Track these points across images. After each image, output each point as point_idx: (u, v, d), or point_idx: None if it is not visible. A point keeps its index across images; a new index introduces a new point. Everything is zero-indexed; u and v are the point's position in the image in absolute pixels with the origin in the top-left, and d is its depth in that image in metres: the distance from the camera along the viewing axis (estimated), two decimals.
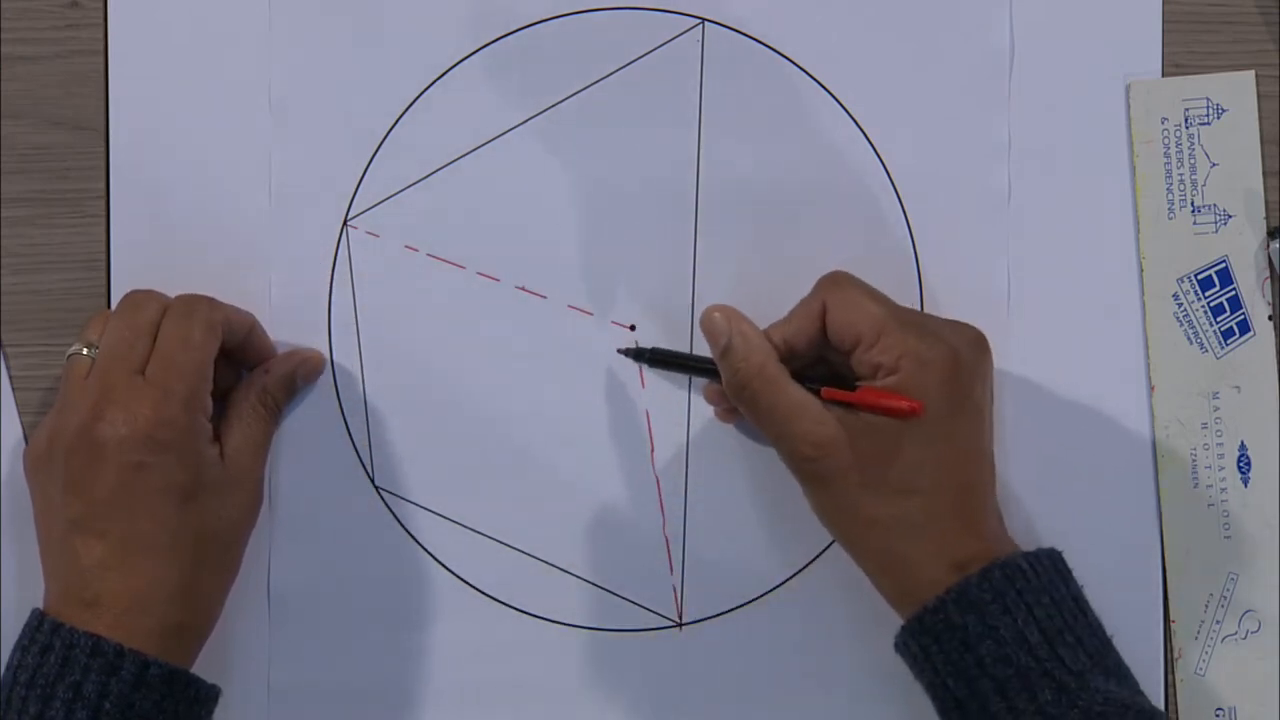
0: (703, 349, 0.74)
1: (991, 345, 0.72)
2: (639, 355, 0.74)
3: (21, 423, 0.75)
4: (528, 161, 0.75)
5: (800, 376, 0.68)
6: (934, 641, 0.65)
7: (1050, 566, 0.66)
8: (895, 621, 0.72)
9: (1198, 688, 0.74)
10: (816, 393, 0.67)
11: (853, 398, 0.66)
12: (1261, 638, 0.74)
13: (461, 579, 0.75)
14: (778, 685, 0.75)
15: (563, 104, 0.75)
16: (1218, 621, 0.74)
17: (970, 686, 0.64)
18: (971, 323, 0.70)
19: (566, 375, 0.75)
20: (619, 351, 0.74)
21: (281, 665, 0.75)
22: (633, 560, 0.75)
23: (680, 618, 0.75)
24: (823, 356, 0.70)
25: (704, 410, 0.75)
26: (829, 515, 0.69)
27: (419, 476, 0.75)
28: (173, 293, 0.71)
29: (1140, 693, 0.66)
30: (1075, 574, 0.67)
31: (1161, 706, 0.74)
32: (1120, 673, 0.65)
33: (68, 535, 0.66)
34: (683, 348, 0.75)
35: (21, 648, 0.65)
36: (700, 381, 0.75)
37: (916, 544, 0.66)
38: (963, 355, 0.67)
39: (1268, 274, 0.75)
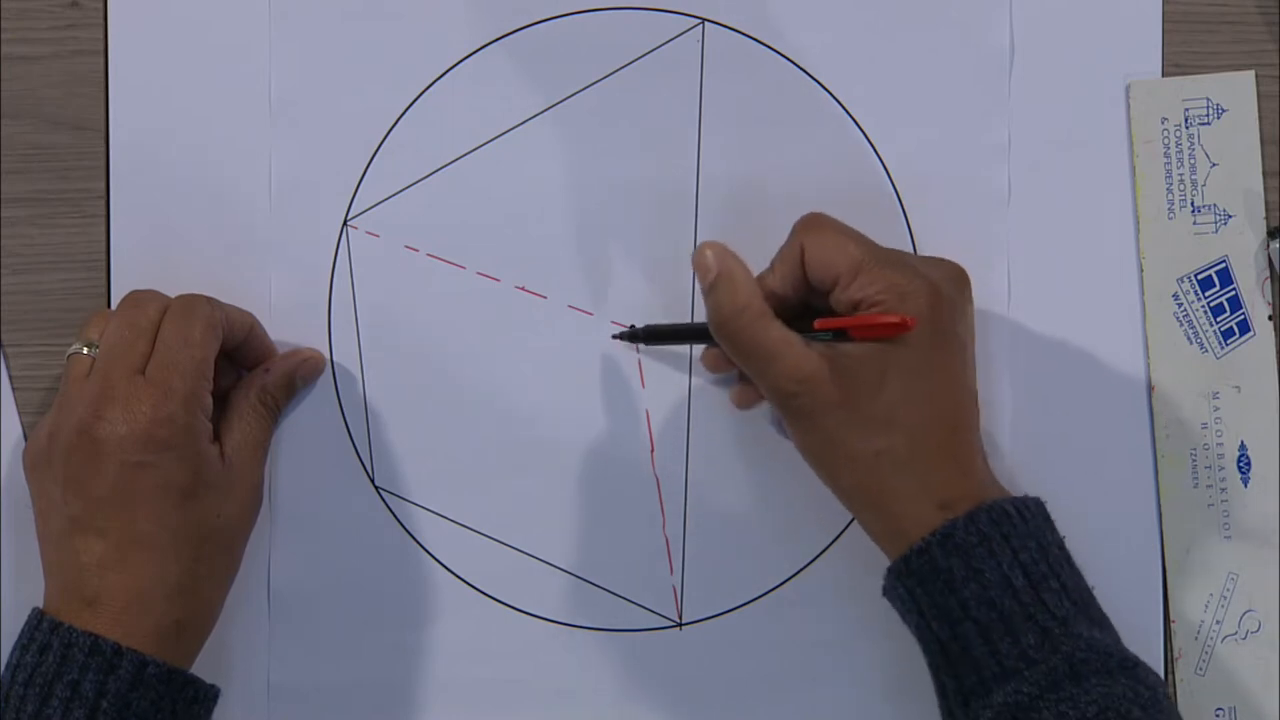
0: (701, 348, 0.74)
1: (991, 345, 0.72)
2: (634, 337, 0.74)
3: (21, 423, 0.75)
4: (528, 161, 0.75)
5: (794, 321, 0.67)
6: (919, 584, 0.64)
7: (1036, 513, 0.66)
8: (895, 622, 0.72)
9: (1198, 688, 0.74)
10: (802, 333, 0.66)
11: (844, 322, 0.65)
12: (1261, 638, 0.74)
13: (461, 579, 0.75)
14: (778, 685, 0.75)
15: (563, 104, 0.75)
16: (1218, 621, 0.74)
17: (954, 630, 0.64)
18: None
19: (566, 375, 0.75)
20: (614, 338, 0.74)
21: (281, 665, 0.75)
22: (633, 560, 0.75)
23: (680, 618, 0.75)
24: (807, 304, 0.69)
25: (704, 411, 0.75)
26: (814, 453, 0.68)
27: (419, 476, 0.75)
28: (173, 293, 0.71)
29: (1121, 643, 0.65)
30: None
31: None
32: (1103, 623, 0.65)
33: (67, 534, 0.66)
34: (683, 348, 0.75)
35: (20, 646, 0.65)
36: (703, 381, 0.75)
37: (902, 479, 0.65)
38: (943, 289, 0.66)
39: (1268, 274, 0.75)
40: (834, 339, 0.66)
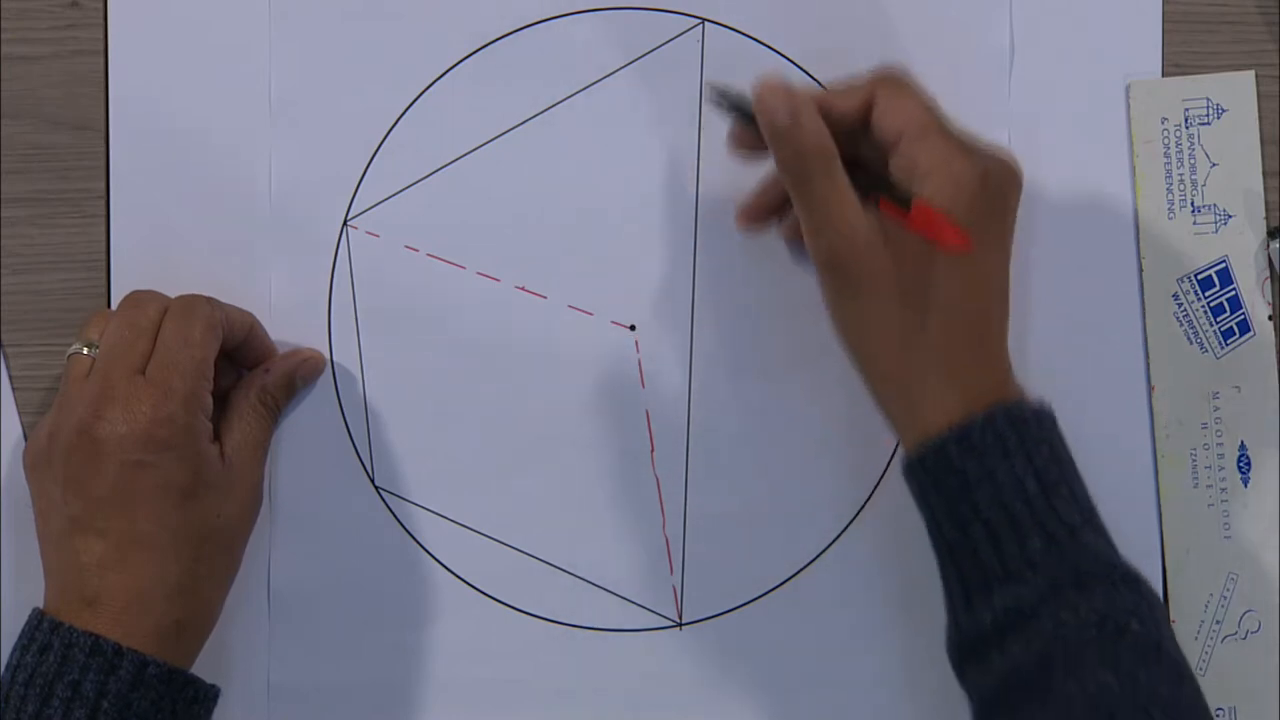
0: (701, 348, 0.74)
1: None
2: (720, 96, 0.68)
3: (21, 423, 0.75)
4: (528, 161, 0.75)
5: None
6: (932, 484, 0.64)
7: (1049, 420, 0.66)
8: (895, 622, 0.72)
9: None
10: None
11: (907, 218, 0.64)
12: (1261, 638, 0.74)
13: (461, 579, 0.75)
14: (778, 685, 0.75)
15: (563, 104, 0.75)
16: (1218, 621, 0.74)
17: (963, 531, 0.64)
18: None
19: (566, 375, 0.75)
20: (710, 92, 0.70)
21: (281, 665, 0.75)
22: (633, 560, 0.75)
23: (680, 618, 0.75)
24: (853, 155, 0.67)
25: (704, 410, 0.75)
26: (851, 327, 0.66)
27: (419, 476, 0.75)
28: (173, 293, 0.71)
29: (1123, 557, 0.65)
30: None
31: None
32: (1106, 536, 0.65)
33: (67, 534, 0.66)
34: (683, 348, 0.75)
35: (21, 647, 0.65)
36: (709, 343, 0.75)
37: (934, 366, 0.64)
38: (995, 179, 0.65)
39: (1268, 274, 0.75)
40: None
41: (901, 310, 0.64)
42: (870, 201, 0.65)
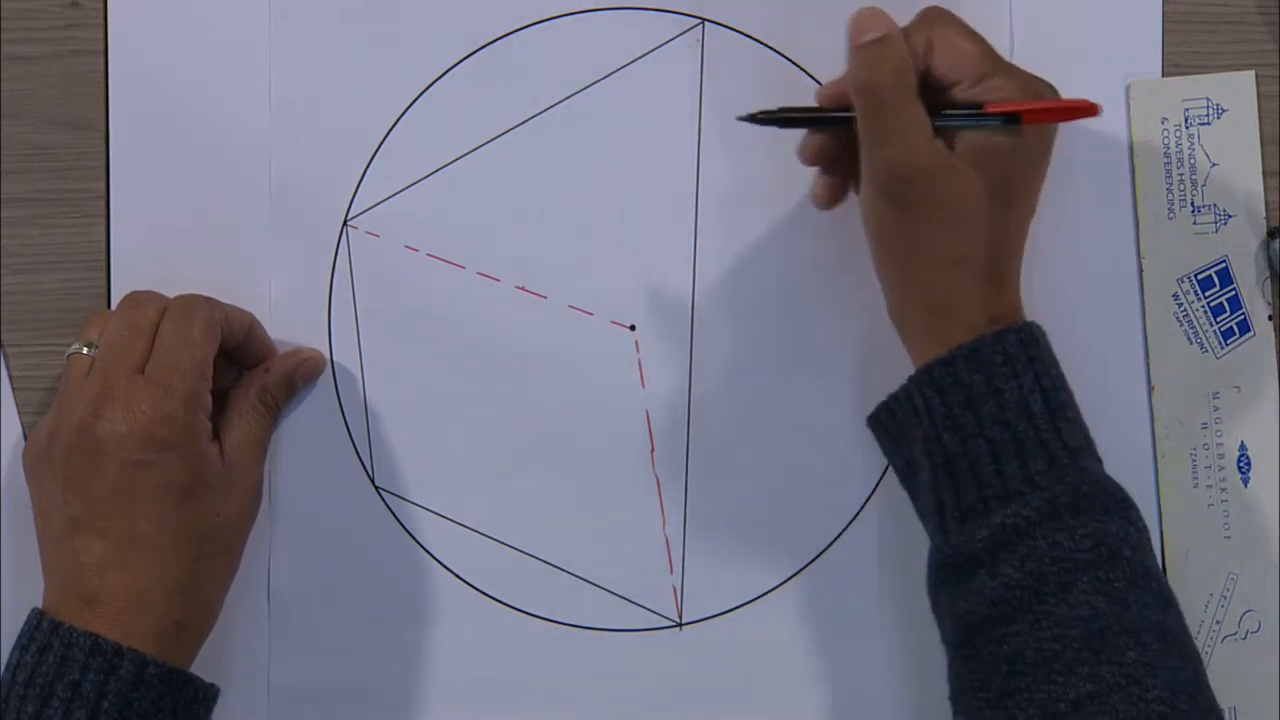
0: (701, 348, 0.74)
1: None
2: (764, 120, 0.69)
3: (21, 423, 0.75)
4: (528, 161, 0.75)
5: None
6: (938, 394, 0.65)
7: (1049, 345, 0.67)
8: (895, 621, 0.72)
9: None
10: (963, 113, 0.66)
11: (1022, 106, 0.65)
12: (1261, 638, 0.74)
13: (461, 579, 0.75)
14: (777, 685, 0.75)
15: (563, 104, 0.75)
16: (1218, 621, 0.74)
17: (965, 444, 0.64)
18: None
19: (566, 375, 0.75)
20: (741, 119, 0.69)
21: (281, 665, 0.75)
22: (633, 560, 0.75)
23: (680, 618, 0.75)
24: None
25: (704, 410, 0.75)
26: (897, 244, 0.67)
27: (419, 476, 0.75)
28: (173, 293, 0.71)
29: (1116, 482, 0.66)
30: None
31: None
32: (1101, 462, 0.66)
33: (67, 533, 0.66)
34: (683, 348, 0.75)
35: (20, 646, 0.65)
36: (710, 343, 0.75)
37: (971, 287, 0.66)
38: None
39: (1268, 274, 0.75)
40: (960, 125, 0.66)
41: (954, 237, 0.65)
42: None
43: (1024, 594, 0.62)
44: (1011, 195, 0.66)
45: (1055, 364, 0.66)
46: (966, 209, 0.65)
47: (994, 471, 0.63)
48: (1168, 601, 0.63)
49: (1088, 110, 0.66)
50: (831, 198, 0.72)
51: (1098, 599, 0.61)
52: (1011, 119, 0.65)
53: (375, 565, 0.75)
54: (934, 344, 0.66)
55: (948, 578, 0.64)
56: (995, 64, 0.66)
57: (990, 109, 0.66)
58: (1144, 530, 0.64)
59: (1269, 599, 0.74)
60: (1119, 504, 0.64)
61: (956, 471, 0.64)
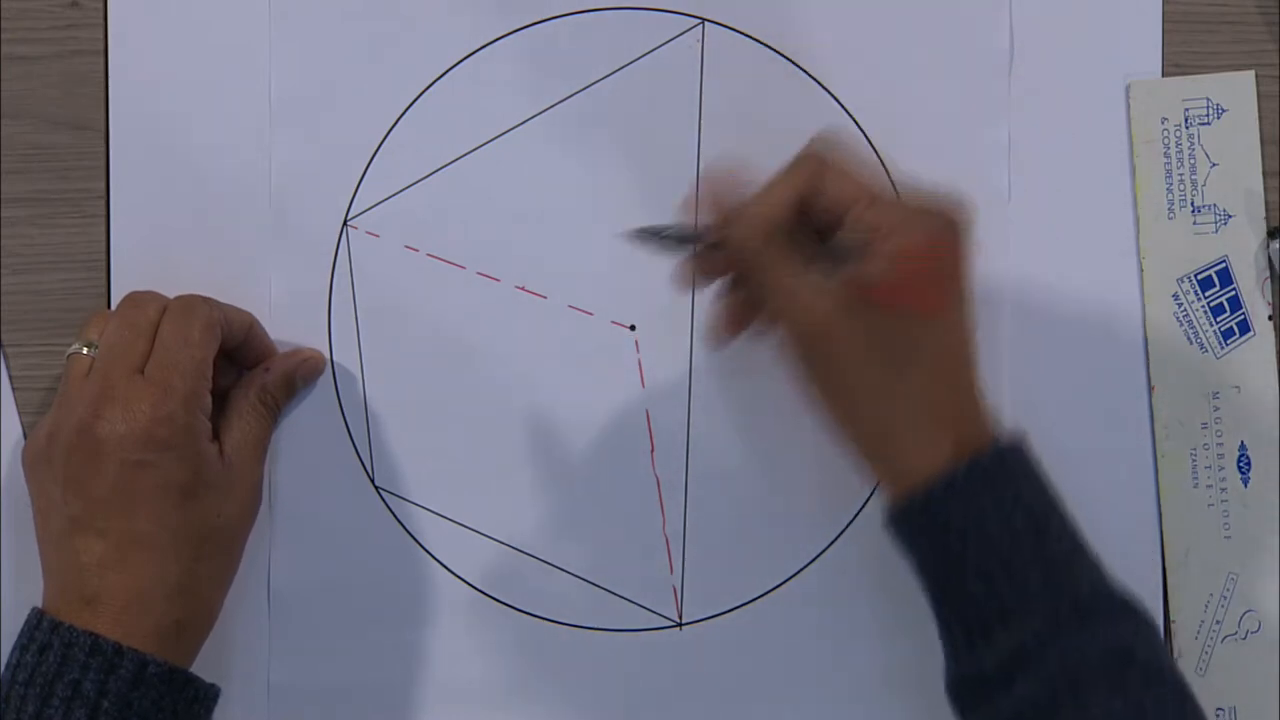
0: (702, 348, 0.74)
1: (992, 345, 0.72)
2: (644, 235, 0.69)
3: (21, 423, 0.75)
4: (528, 161, 0.75)
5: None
6: (920, 529, 0.64)
7: (1026, 449, 0.66)
8: (895, 622, 0.72)
9: (1198, 688, 0.74)
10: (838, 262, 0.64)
11: (873, 294, 0.63)
12: (1261, 638, 0.74)
13: (461, 579, 0.75)
14: (778, 685, 0.75)
15: (563, 104, 0.75)
16: (1218, 621, 0.74)
17: (956, 575, 0.63)
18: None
19: (566, 376, 0.75)
20: (625, 234, 0.69)
21: (281, 665, 0.75)
22: (633, 560, 0.75)
23: (680, 618, 0.75)
24: (805, 225, 0.66)
25: (704, 411, 0.75)
26: (829, 393, 0.66)
27: (419, 476, 0.75)
28: (173, 293, 0.71)
29: (1116, 580, 0.65)
30: None
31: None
32: (1098, 562, 0.65)
33: (67, 533, 0.66)
34: (683, 348, 0.75)
35: (20, 646, 0.65)
36: (703, 381, 0.75)
37: (918, 417, 0.64)
38: (951, 225, 0.65)
39: (1268, 274, 0.75)
40: (848, 265, 0.64)
41: (879, 369, 0.64)
42: (828, 266, 0.64)
43: (1041, 709, 0.61)
44: (935, 307, 0.65)
45: (1032, 474, 0.65)
46: (887, 342, 0.64)
47: (990, 594, 0.63)
48: (1183, 697, 0.62)
49: (934, 304, 0.63)
50: (735, 324, 0.69)
51: (1115, 702, 0.60)
52: (853, 258, 0.63)
53: (375, 565, 0.75)
54: (895, 483, 0.65)
55: (967, 697, 0.64)
56: (881, 191, 0.65)
57: (845, 283, 0.63)
58: (1152, 624, 0.64)
59: (1269, 599, 0.74)
60: (1122, 605, 0.63)
61: (955, 599, 0.64)
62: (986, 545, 0.63)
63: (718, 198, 0.66)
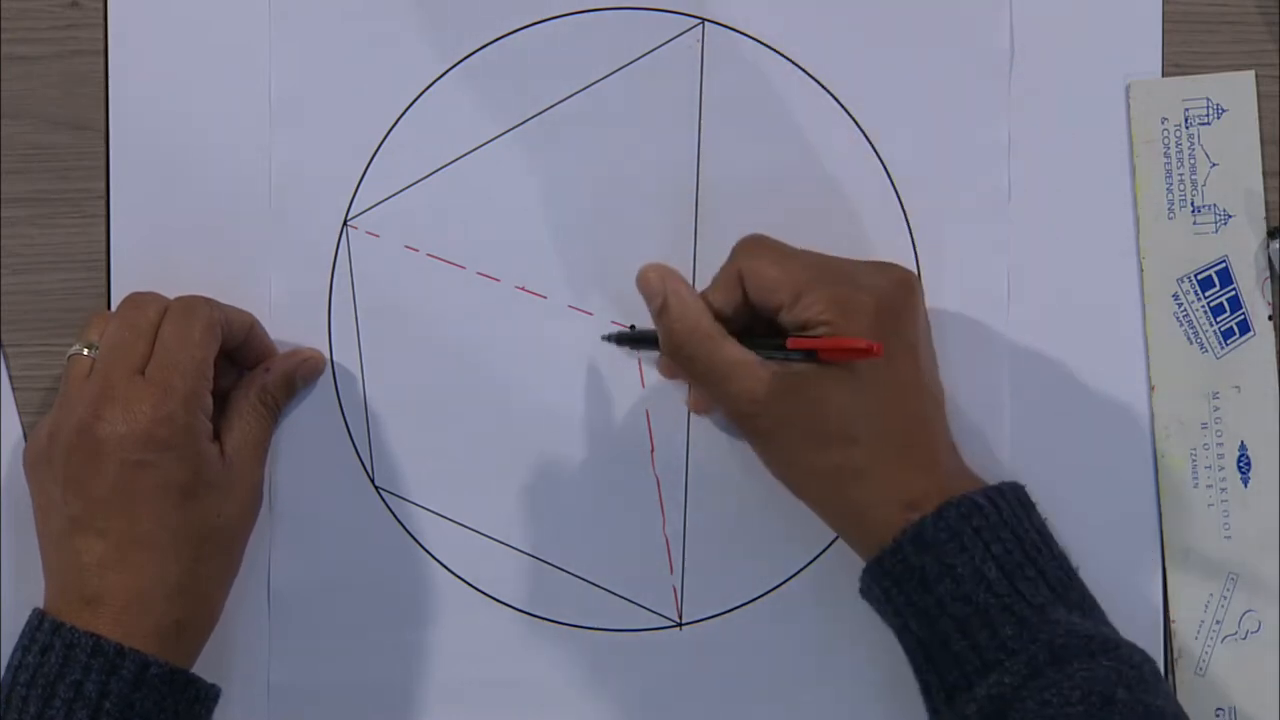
0: None
1: (991, 345, 0.72)
2: (620, 340, 0.74)
3: (21, 423, 0.75)
4: (528, 161, 0.75)
5: (742, 336, 0.68)
6: (894, 584, 0.65)
7: (1013, 499, 0.66)
8: None
9: (1198, 688, 0.74)
10: (776, 346, 0.67)
11: (813, 344, 0.65)
12: (1261, 638, 0.74)
13: (461, 579, 0.75)
14: (778, 685, 0.75)
15: (563, 104, 0.75)
16: (1218, 621, 0.74)
17: (931, 627, 0.64)
18: (972, 321, 0.70)
19: (566, 376, 0.75)
20: (605, 339, 0.74)
21: (281, 665, 0.75)
22: (633, 560, 0.75)
23: (680, 618, 0.75)
24: (753, 318, 0.69)
25: None
26: (779, 469, 0.69)
27: (419, 476, 0.75)
28: (173, 293, 0.71)
29: (1107, 623, 0.65)
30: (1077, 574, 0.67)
31: None
32: (1085, 604, 0.65)
33: (68, 534, 0.66)
34: None
35: (22, 647, 0.65)
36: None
37: (864, 489, 0.66)
38: (886, 298, 0.67)
39: (1268, 274, 0.75)
40: (791, 356, 0.66)
41: (820, 449, 0.66)
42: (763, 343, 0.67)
43: None
44: (873, 383, 0.66)
45: (1011, 523, 0.65)
46: (833, 412, 0.66)
47: (966, 646, 0.63)
48: None
49: (866, 351, 0.64)
50: (704, 406, 0.74)
51: None
52: (809, 354, 0.66)
53: (375, 565, 0.75)
54: (865, 546, 0.66)
55: None
56: (807, 281, 0.66)
57: (791, 344, 0.66)
58: (1140, 665, 0.63)
59: (1269, 599, 0.74)
60: (1103, 646, 0.63)
61: (932, 653, 0.64)
62: (960, 596, 0.63)
63: (650, 299, 0.69)
